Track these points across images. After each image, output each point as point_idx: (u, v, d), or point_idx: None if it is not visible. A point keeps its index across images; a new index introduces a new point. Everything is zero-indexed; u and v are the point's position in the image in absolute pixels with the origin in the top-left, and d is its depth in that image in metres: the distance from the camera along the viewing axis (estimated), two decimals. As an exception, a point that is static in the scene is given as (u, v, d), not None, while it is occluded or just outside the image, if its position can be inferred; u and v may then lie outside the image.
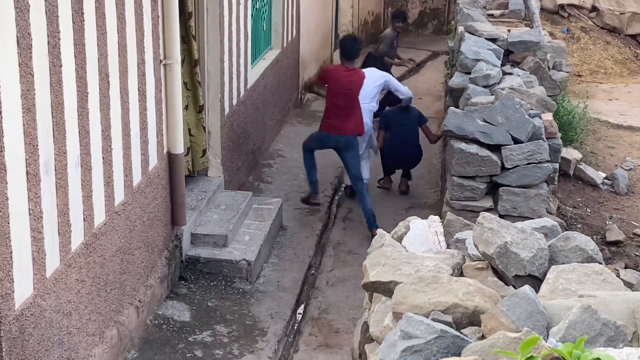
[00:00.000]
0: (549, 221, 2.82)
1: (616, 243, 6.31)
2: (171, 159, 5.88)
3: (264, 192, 8.27)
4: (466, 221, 3.00)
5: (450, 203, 5.56)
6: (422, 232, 2.84)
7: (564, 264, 2.51)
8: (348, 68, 7.30)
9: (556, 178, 6.03)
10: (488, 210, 5.54)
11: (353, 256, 7.24)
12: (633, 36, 11.89)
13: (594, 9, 11.82)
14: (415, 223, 2.92)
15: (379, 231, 2.86)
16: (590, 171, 7.09)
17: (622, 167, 7.42)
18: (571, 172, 7.02)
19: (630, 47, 11.61)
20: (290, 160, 9.19)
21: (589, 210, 6.76)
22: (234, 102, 7.72)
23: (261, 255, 6.65)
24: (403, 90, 8.12)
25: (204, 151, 6.83)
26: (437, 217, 3.02)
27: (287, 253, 7.09)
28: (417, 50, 15.45)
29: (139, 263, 5.38)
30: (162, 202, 5.81)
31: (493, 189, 5.68)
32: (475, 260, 2.61)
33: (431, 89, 12.40)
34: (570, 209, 6.67)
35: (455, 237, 2.85)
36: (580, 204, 6.89)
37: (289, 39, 10.26)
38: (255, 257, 6.42)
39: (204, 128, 6.77)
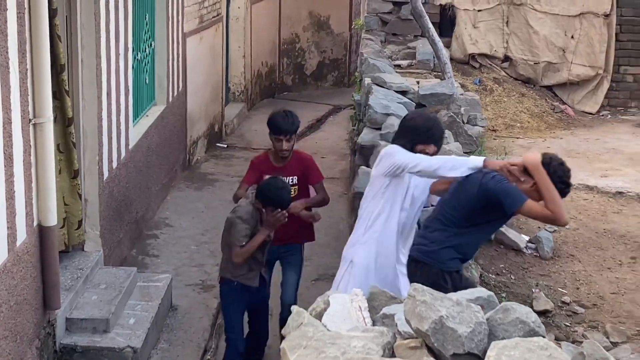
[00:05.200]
0: (484, 291, 2.86)
1: (544, 312, 6.45)
2: (42, 233, 5.69)
3: (150, 267, 8.12)
4: (392, 294, 3.01)
5: (365, 273, 5.57)
6: (344, 308, 2.82)
7: (504, 338, 2.54)
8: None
9: (478, 243, 6.15)
10: (406, 280, 5.58)
11: (254, 338, 7.15)
12: (549, 87, 12.46)
13: (507, 58, 12.35)
14: (335, 298, 2.90)
15: (295, 308, 2.83)
16: (512, 234, 7.25)
17: (545, 229, 7.64)
18: (492, 236, 7.18)
19: (546, 99, 12.14)
20: (179, 230, 9.09)
21: (513, 277, 6.90)
22: (114, 165, 7.60)
23: (149, 341, 6.48)
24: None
25: (80, 222, 6.65)
26: (359, 290, 3.02)
27: (179, 336, 6.94)
28: (317, 104, 15.74)
29: (5, 355, 5.14)
30: (32, 282, 5.60)
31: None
32: (408, 338, 2.61)
33: (334, 146, 12.58)
34: (494, 276, 6.79)
35: (382, 312, 2.85)
36: (504, 271, 7.04)
37: (175, 93, 10.25)
38: (141, 344, 6.26)
39: (80, 196, 6.62)
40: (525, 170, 4.86)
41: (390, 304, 2.93)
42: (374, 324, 2.82)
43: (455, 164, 4.93)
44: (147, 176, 8.96)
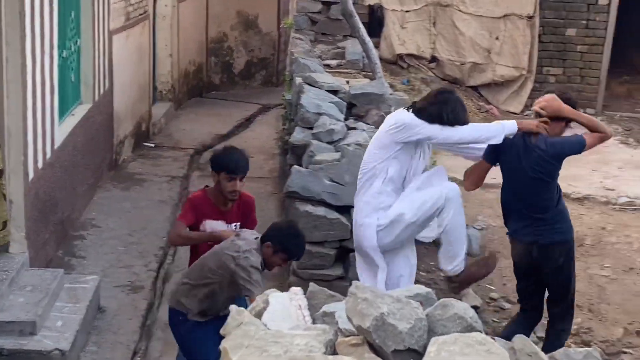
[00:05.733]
0: (422, 288, 2.91)
1: (473, 308, 6.58)
2: (-33, 234, 5.56)
3: (76, 268, 7.99)
4: (331, 292, 3.03)
5: (298, 272, 5.61)
6: (284, 307, 2.82)
7: (443, 334, 2.58)
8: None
9: (408, 241, 6.23)
10: (339, 278, 5.63)
11: (185, 339, 7.11)
12: (474, 87, 12.68)
13: (434, 59, 12.53)
14: (275, 297, 2.90)
15: (234, 307, 2.82)
16: (441, 232, 7.38)
17: (473, 227, 7.78)
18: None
19: (472, 100, 12.36)
20: (106, 231, 8.97)
21: (442, 274, 7.01)
22: (40, 165, 7.46)
23: (77, 343, 6.39)
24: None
25: (5, 223, 6.52)
26: (299, 289, 3.03)
27: (108, 338, 6.85)
28: (245, 103, 15.71)
29: None
30: (-43, 285, 5.46)
31: (343, 254, 5.78)
32: (349, 336, 2.63)
33: (264, 145, 12.56)
34: (424, 273, 6.89)
35: (322, 310, 2.87)
36: (433, 268, 7.13)
37: (101, 92, 10.10)
38: (70, 346, 6.17)
39: (5, 196, 6.49)
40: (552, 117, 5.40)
41: (329, 302, 2.96)
42: (313, 322, 2.83)
43: (492, 133, 5.26)
44: (73, 176, 8.82)
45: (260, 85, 17.32)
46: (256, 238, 5.13)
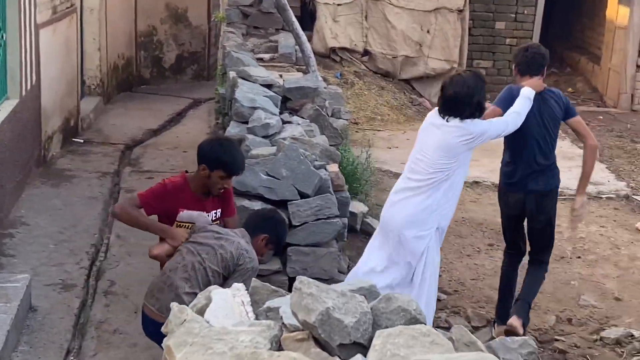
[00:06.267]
0: (366, 282, 2.92)
1: (408, 301, 6.65)
2: None
3: (6, 267, 7.83)
4: (274, 287, 3.02)
5: (235, 268, 5.58)
6: (227, 303, 2.80)
7: (388, 327, 2.60)
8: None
9: (345, 234, 6.28)
10: (276, 273, 5.64)
11: (119, 336, 7.02)
12: (407, 81, 12.79)
13: (366, 52, 12.59)
14: (217, 293, 2.88)
15: (175, 305, 2.79)
16: (377, 225, 7.42)
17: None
18: (358, 227, 7.32)
19: (405, 92, 12.47)
20: (36, 229, 8.80)
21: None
22: (-33, 162, 7.30)
23: (9, 344, 6.27)
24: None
25: None
26: (241, 285, 3.01)
27: (40, 338, 6.73)
28: (176, 97, 15.57)
29: None
30: None
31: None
32: (294, 331, 2.62)
33: (196, 140, 12.39)
34: (360, 266, 6.93)
35: (265, 305, 2.86)
36: (369, 261, 7.18)
37: (28, 87, 9.90)
38: (1, 346, 6.04)
39: None
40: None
41: (272, 298, 2.95)
42: (257, 318, 2.82)
43: (527, 105, 5.84)
44: (1, 173, 8.63)
45: (191, 79, 17.18)
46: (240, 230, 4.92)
